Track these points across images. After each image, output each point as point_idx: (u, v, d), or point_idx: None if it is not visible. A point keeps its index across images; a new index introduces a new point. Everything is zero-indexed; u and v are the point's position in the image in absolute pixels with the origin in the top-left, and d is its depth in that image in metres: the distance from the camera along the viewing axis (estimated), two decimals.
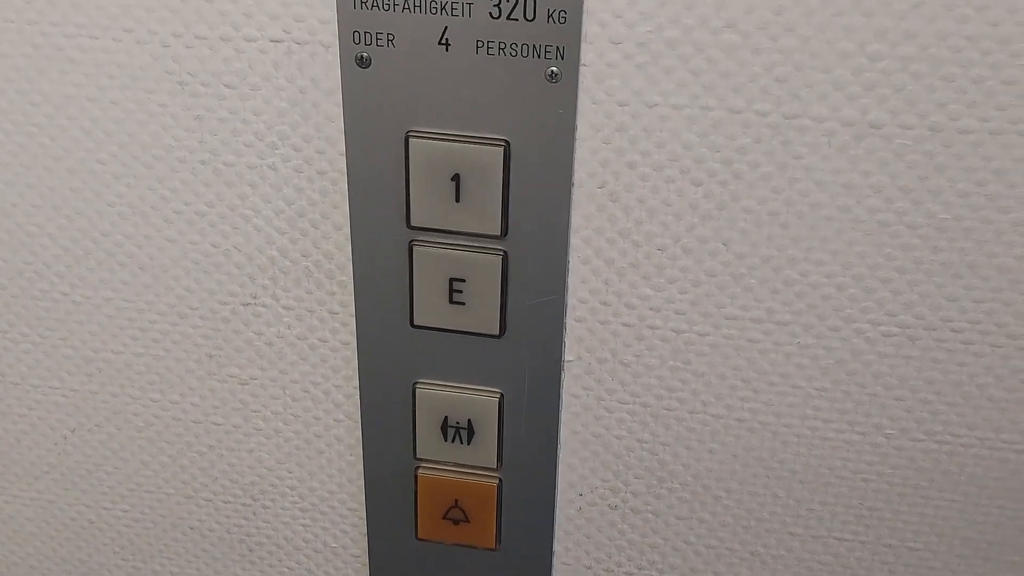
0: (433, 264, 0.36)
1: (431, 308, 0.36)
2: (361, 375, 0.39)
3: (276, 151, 0.35)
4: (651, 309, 0.36)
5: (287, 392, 0.40)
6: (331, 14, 0.32)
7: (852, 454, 0.37)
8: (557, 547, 0.42)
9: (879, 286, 0.34)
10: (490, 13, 0.31)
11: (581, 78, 0.32)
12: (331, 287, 0.37)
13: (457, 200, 0.34)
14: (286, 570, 0.45)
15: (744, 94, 0.31)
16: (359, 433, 0.40)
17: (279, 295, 0.38)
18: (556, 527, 0.41)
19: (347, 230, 0.36)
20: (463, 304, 0.36)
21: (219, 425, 0.42)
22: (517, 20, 0.31)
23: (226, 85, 0.34)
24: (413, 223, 0.35)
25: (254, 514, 0.44)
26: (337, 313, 0.38)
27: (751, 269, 0.34)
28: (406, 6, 0.32)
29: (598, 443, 0.39)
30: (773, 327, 0.35)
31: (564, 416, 0.38)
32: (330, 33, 0.33)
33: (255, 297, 0.38)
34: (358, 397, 0.39)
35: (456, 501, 0.41)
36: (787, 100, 0.31)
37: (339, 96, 0.34)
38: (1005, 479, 0.37)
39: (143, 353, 0.40)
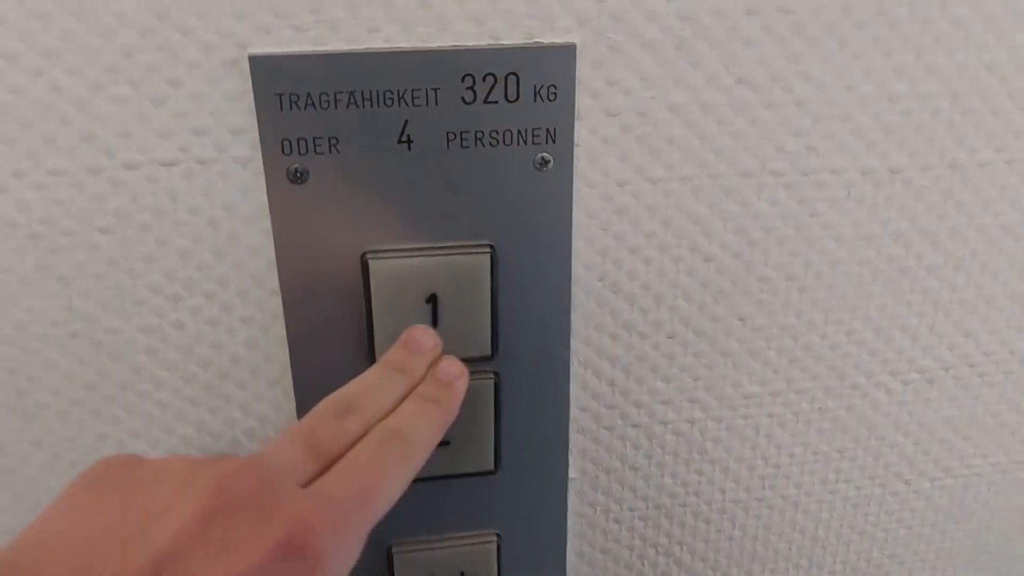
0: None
1: None
2: None
3: (180, 303, 0.26)
4: (662, 403, 0.31)
5: None
6: (247, 121, 0.24)
7: (873, 507, 0.35)
8: None
9: (899, 335, 0.31)
10: (463, 98, 0.25)
11: (575, 160, 0.26)
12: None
13: (435, 324, 0.27)
14: None
15: (758, 155, 0.27)
16: None
17: None
18: None
19: (287, 383, 0.28)
20: (448, 442, 0.29)
21: None
22: (496, 103, 0.25)
23: (101, 230, 0.25)
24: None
25: None
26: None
27: (769, 341, 0.30)
28: (351, 102, 0.24)
29: (607, 559, 0.34)
30: (793, 396, 0.32)
31: (570, 540, 0.33)
32: (248, 145, 0.25)
33: None
34: None
35: None
36: (804, 155, 0.27)
37: (266, 222, 0.26)
38: (1016, 497, 0.36)
39: None
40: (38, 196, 0.24)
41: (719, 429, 0.32)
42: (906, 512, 0.35)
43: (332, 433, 0.22)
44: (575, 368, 0.30)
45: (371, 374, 0.25)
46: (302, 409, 0.28)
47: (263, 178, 0.25)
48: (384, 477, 0.22)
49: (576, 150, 0.26)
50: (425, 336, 0.26)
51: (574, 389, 0.30)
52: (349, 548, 0.20)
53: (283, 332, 0.27)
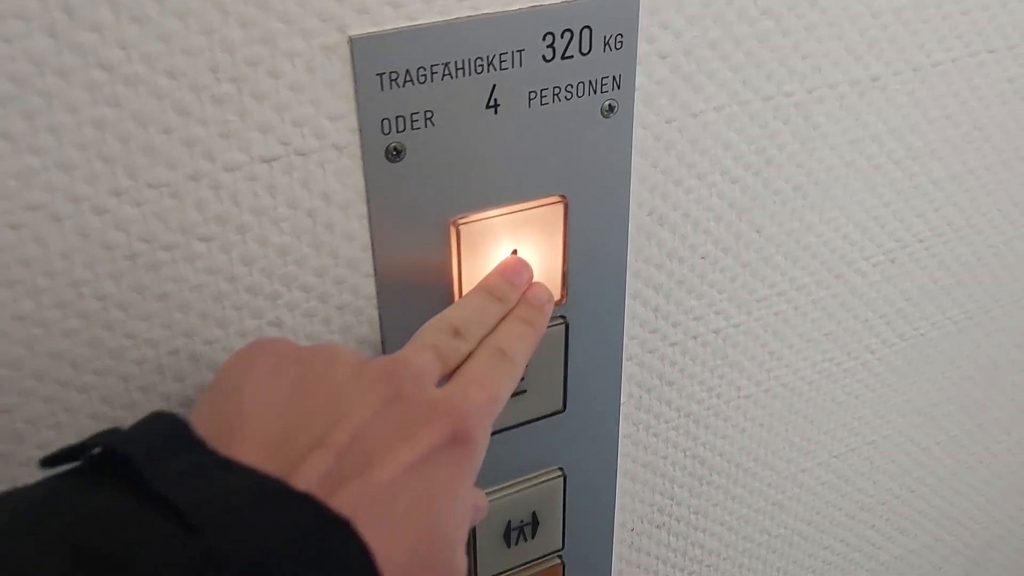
0: None
1: None
2: None
3: (279, 300, 0.25)
4: (694, 319, 0.34)
5: None
6: (346, 106, 0.24)
7: (848, 379, 0.40)
8: None
9: (872, 223, 0.36)
10: (543, 56, 0.25)
11: (635, 104, 0.28)
12: None
13: None
14: None
15: (775, 79, 0.30)
16: None
17: None
18: (613, 573, 0.38)
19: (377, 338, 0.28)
20: (524, 392, 0.31)
21: None
22: (572, 57, 0.26)
23: (201, 239, 0.24)
24: None
25: None
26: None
27: (778, 247, 0.34)
28: (445, 73, 0.24)
29: (647, 471, 0.36)
30: (795, 293, 0.35)
31: (619, 461, 0.35)
32: (346, 129, 0.24)
33: None
34: None
35: None
36: (810, 75, 0.31)
37: (362, 207, 0.25)
38: (951, 350, 0.42)
39: None
40: (138, 212, 0.22)
41: (737, 334, 0.35)
42: (872, 378, 0.40)
43: (450, 348, 0.24)
44: (628, 301, 0.32)
45: (472, 299, 0.26)
46: None
47: (360, 161, 0.25)
48: (501, 387, 0.24)
49: (636, 94, 0.28)
50: (523, 268, 0.27)
51: (626, 321, 0.32)
52: (487, 443, 0.23)
53: (375, 313, 0.27)
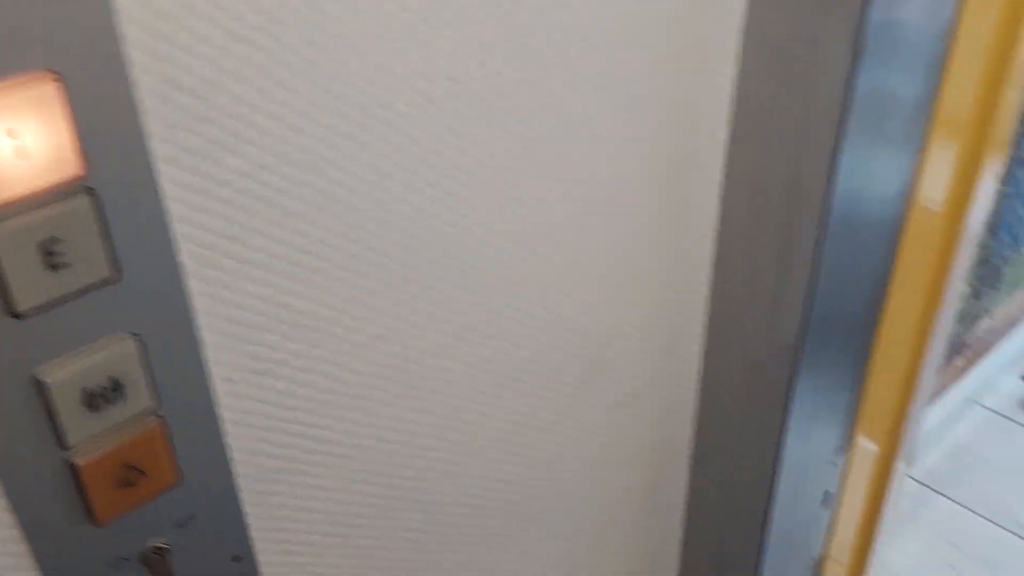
0: (15, 240, 0.30)
1: (30, 287, 0.32)
2: None
3: None
4: (242, 176, 0.36)
5: None
6: None
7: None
8: (228, 432, 0.42)
9: (400, 67, 0.39)
10: None
11: None
12: None
13: (22, 157, 0.29)
14: None
15: None
16: None
17: None
18: (222, 421, 0.41)
19: None
20: (67, 266, 0.32)
21: None
22: None
23: None
24: None
25: None
26: None
27: (309, 100, 0.37)
28: None
29: (232, 324, 0.39)
30: (338, 140, 0.39)
31: (199, 318, 0.38)
32: None
33: None
34: None
35: (126, 464, 0.38)
36: None
37: None
38: None
39: None
40: None
41: (290, 186, 0.38)
42: (439, 207, 0.45)
43: None
44: (162, 166, 0.33)
45: None
46: None
47: None
48: None
49: None
50: None
51: (166, 185, 0.34)
52: None
53: None
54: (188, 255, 0.36)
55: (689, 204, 0.60)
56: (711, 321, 0.68)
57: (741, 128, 0.58)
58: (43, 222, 0.31)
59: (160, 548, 0.41)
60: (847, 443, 0.77)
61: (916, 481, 1.47)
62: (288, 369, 0.43)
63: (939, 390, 1.51)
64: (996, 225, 1.44)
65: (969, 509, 1.42)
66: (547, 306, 0.55)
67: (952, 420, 1.59)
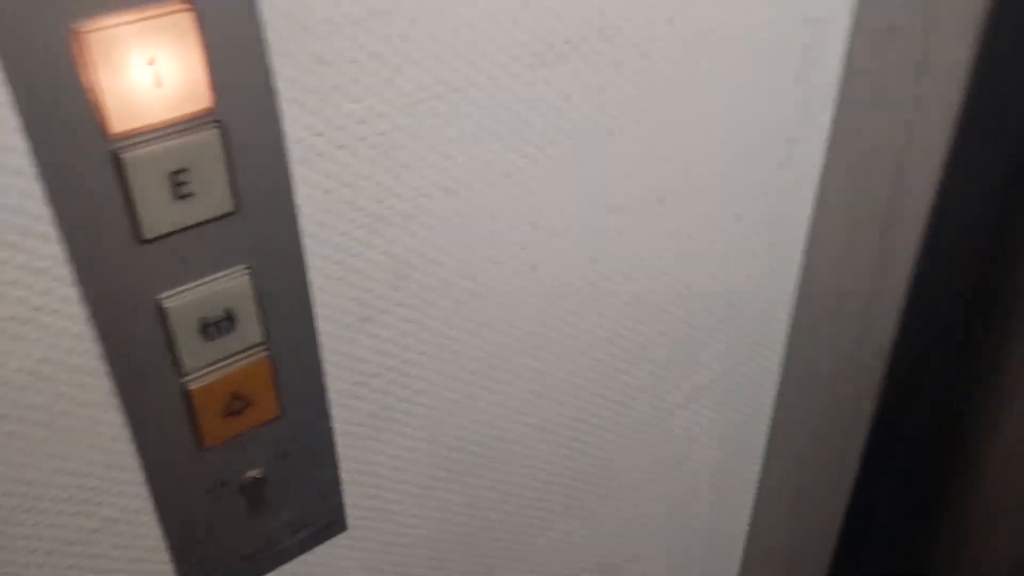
0: (148, 166, 0.32)
1: (158, 214, 0.33)
2: (97, 324, 0.34)
3: None
4: (358, 123, 0.37)
5: (11, 386, 0.34)
6: None
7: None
8: (328, 373, 0.43)
9: (515, 29, 0.40)
10: None
11: None
12: (30, 244, 0.32)
13: (159, 85, 0.31)
14: (67, 572, 0.40)
15: None
16: (110, 386, 0.36)
17: None
18: (323, 361, 0.43)
19: (32, 172, 0.30)
20: (192, 196, 0.34)
21: None
22: None
23: None
24: (115, 129, 0.31)
25: (10, 538, 0.37)
26: (46, 270, 0.32)
27: (426, 50, 0.38)
28: None
29: (342, 269, 0.41)
30: (452, 96, 0.40)
31: (310, 260, 0.39)
32: None
33: None
34: (98, 350, 0.35)
35: (234, 393, 0.40)
36: None
37: None
38: None
39: None
40: None
41: (404, 136, 0.39)
42: (545, 175, 0.46)
43: None
44: (285, 106, 0.35)
45: None
46: (51, 180, 0.30)
47: None
48: None
49: None
50: None
51: (287, 125, 0.35)
52: None
53: (15, 120, 0.29)
54: (303, 197, 0.37)
55: (782, 206, 0.60)
56: (795, 329, 0.67)
57: (843, 127, 0.57)
58: (174, 152, 0.32)
59: (257, 479, 0.43)
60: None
61: None
62: (391, 318, 0.44)
63: None
64: None
65: None
66: (640, 282, 0.55)
67: None
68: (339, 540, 0.49)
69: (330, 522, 0.48)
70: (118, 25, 0.29)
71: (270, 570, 0.47)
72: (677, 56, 0.47)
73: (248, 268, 0.37)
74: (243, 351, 0.39)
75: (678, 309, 0.58)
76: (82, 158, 0.31)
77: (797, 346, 0.68)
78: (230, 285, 0.37)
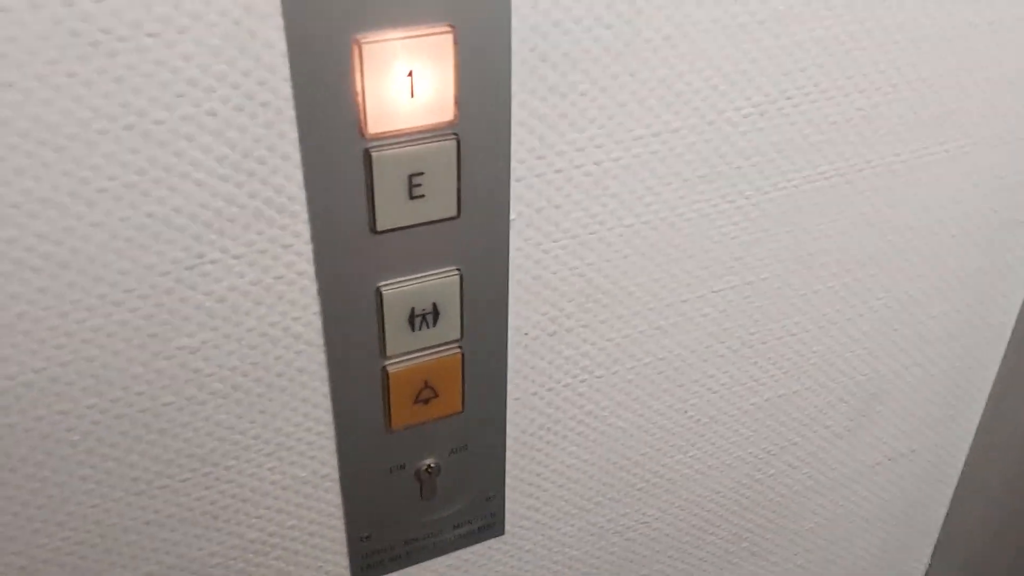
0: (392, 166, 0.36)
1: (392, 209, 0.37)
2: (323, 299, 0.38)
3: (213, 94, 0.32)
4: (576, 150, 0.40)
5: (244, 343, 0.38)
6: None
7: (721, 220, 0.46)
8: (510, 380, 0.46)
9: (740, 77, 0.42)
10: None
11: None
12: (283, 220, 0.36)
13: (412, 96, 0.35)
14: (256, 520, 0.44)
15: None
16: (323, 357, 0.40)
17: (228, 246, 0.36)
18: (509, 370, 0.45)
19: (297, 158, 0.35)
20: (423, 197, 0.37)
21: (169, 404, 0.38)
22: None
23: (149, 34, 0.30)
24: (371, 130, 0.35)
25: (216, 479, 0.42)
26: (291, 245, 0.37)
27: (651, 91, 0.40)
28: None
29: (538, 284, 0.43)
30: (669, 136, 0.42)
31: (512, 271, 0.42)
32: None
33: (201, 256, 0.35)
34: (319, 323, 0.39)
35: (426, 382, 0.43)
36: None
37: (278, 18, 0.32)
38: (820, 200, 0.48)
39: (72, 360, 0.35)
40: (97, 8, 0.29)
41: (617, 168, 0.41)
42: (747, 222, 0.47)
43: None
44: (515, 128, 0.38)
45: None
46: (310, 169, 0.35)
47: None
48: None
49: None
50: None
51: (513, 145, 0.38)
52: None
53: (292, 113, 0.34)
54: (516, 212, 0.40)
55: (996, 271, 0.58)
56: (994, 397, 0.64)
57: None
58: (415, 156, 0.36)
59: (432, 468, 0.46)
60: None
61: None
62: (575, 338, 0.46)
63: None
64: None
65: None
66: (824, 343, 0.55)
67: None
68: (494, 543, 0.52)
69: (489, 524, 0.50)
70: (391, 39, 0.33)
71: (428, 559, 0.50)
72: (908, 115, 0.47)
73: (458, 270, 0.40)
74: (441, 345, 0.42)
75: (866, 367, 0.58)
76: (339, 152, 0.35)
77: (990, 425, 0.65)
78: (441, 283, 0.40)
